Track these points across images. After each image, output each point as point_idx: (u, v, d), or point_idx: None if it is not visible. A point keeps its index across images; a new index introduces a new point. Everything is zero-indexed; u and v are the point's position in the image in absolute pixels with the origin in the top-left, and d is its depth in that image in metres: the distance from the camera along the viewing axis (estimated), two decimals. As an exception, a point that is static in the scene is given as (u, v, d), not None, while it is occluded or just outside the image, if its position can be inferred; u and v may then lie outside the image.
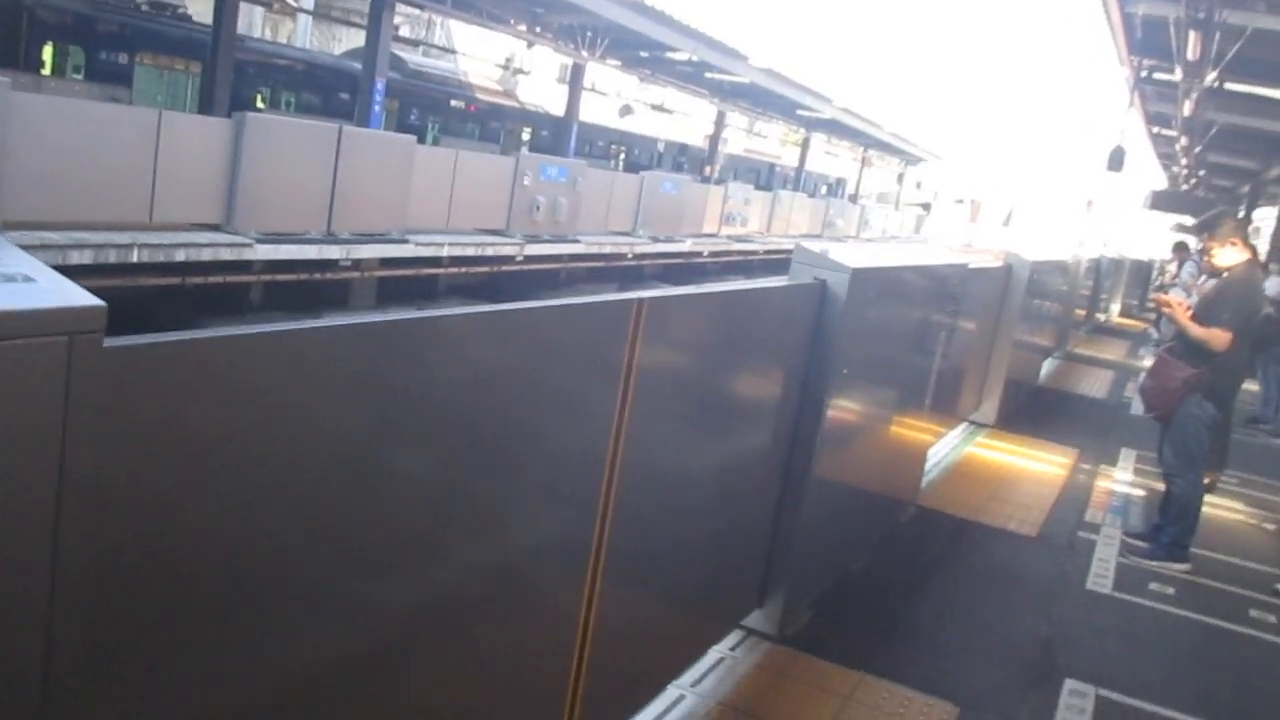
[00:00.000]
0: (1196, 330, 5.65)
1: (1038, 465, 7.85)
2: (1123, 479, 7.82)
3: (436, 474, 2.07)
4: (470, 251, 15.43)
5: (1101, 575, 5.52)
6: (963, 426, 8.54)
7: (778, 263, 26.85)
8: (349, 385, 1.72)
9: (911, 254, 5.41)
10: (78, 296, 1.18)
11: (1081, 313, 16.43)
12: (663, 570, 3.23)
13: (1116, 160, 14.13)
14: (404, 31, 31.29)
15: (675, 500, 3.20)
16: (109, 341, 1.20)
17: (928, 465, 6.93)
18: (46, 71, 15.31)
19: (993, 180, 72.70)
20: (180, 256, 10.83)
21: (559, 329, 2.38)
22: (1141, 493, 7.38)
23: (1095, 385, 12.26)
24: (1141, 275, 25.71)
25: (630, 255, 20.13)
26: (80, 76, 15.52)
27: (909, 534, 5.80)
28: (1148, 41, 12.35)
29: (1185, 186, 26.91)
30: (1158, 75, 13.62)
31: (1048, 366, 12.53)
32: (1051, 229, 77.85)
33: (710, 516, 3.51)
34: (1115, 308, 21.55)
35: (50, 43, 15.20)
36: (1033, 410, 9.87)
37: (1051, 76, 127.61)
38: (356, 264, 13.40)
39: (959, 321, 6.70)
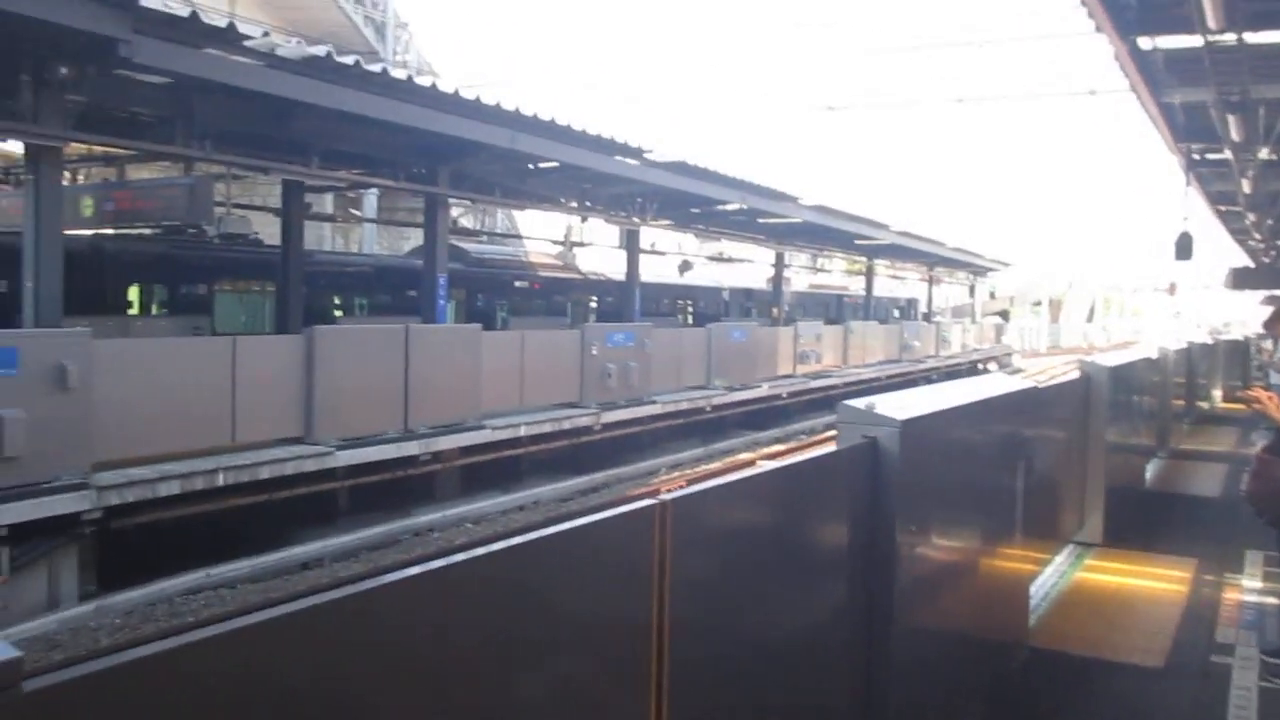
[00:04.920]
0: (1292, 425, 5.31)
1: (1156, 583, 7.34)
2: (1252, 587, 7.26)
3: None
4: (547, 428, 15.52)
5: (1243, 707, 5.03)
6: (1068, 550, 8.08)
7: (861, 393, 26.52)
8: (308, 676, 1.63)
9: (972, 389, 5.22)
10: (-12, 653, 1.13)
11: (1180, 403, 15.76)
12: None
13: (1184, 248, 13.76)
14: (466, 221, 32.65)
15: (742, 689, 3.00)
16: (29, 684, 1.13)
17: (1034, 600, 6.53)
18: (134, 311, 16.19)
19: (1070, 278, 71.84)
20: (265, 474, 11.07)
21: (578, 547, 2.29)
22: (1275, 601, 6.82)
23: (1207, 482, 11.61)
24: (1238, 355, 24.72)
25: (708, 408, 20.08)
26: (165, 311, 16.37)
27: (1022, 681, 5.40)
28: (1192, 126, 12.21)
29: (1266, 260, 26.12)
30: (1210, 156, 13.40)
31: (1153, 469, 11.94)
32: (1140, 317, 76.08)
33: (787, 706, 3.29)
34: (1217, 393, 20.65)
35: (134, 284, 16.11)
36: (1142, 520, 9.32)
37: (1115, 165, 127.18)
38: (436, 456, 13.55)
39: (1041, 443, 6.42)
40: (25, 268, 9.74)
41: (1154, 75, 10.77)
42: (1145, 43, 9.92)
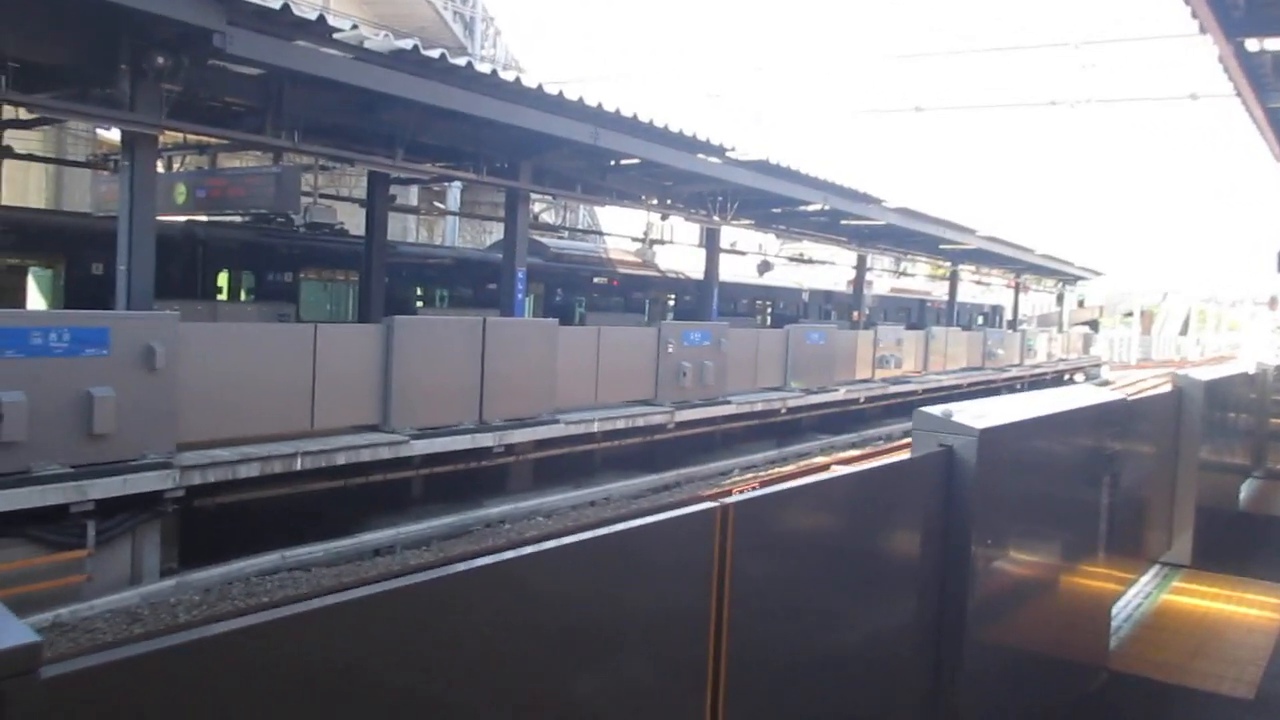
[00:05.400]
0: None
1: (1248, 609, 7.01)
2: (1352, 617, 6.89)
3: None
4: (621, 424, 15.51)
5: (1338, 744, 4.77)
6: (1154, 571, 7.77)
7: (941, 400, 26.02)
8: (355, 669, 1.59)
9: (1056, 399, 5.03)
10: (11, 635, 1.10)
11: (1278, 422, 15.11)
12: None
13: (1288, 260, 13.17)
14: (547, 216, 32.85)
15: (802, 696, 2.91)
16: (48, 671, 1.11)
17: (1116, 621, 6.28)
18: (223, 296, 16.61)
19: (1163, 288, 69.60)
20: (341, 460, 11.23)
21: (638, 547, 2.23)
22: (1377, 633, 6.46)
23: (1307, 505, 11.09)
24: (1344, 374, 23.59)
25: (783, 410, 19.88)
26: (251, 298, 16.76)
27: (1100, 706, 5.18)
28: (1302, 134, 11.66)
29: (1378, 274, 24.88)
30: (1321, 166, 12.79)
31: (1247, 489, 11.45)
32: (1237, 331, 73.34)
33: (847, 715, 3.18)
34: (1320, 412, 19.73)
35: (224, 270, 16.53)
36: (1235, 542, 8.93)
37: (1214, 173, 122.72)
38: (510, 449, 13.63)
39: (1128, 458, 6.17)
40: (119, 251, 10.03)
41: (1261, 79, 10.30)
42: (1253, 44, 9.48)
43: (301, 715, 1.48)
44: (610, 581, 2.19)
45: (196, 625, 1.30)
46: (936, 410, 3.65)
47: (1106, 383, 34.44)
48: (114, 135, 15.48)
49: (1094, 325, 53.18)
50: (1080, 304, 54.52)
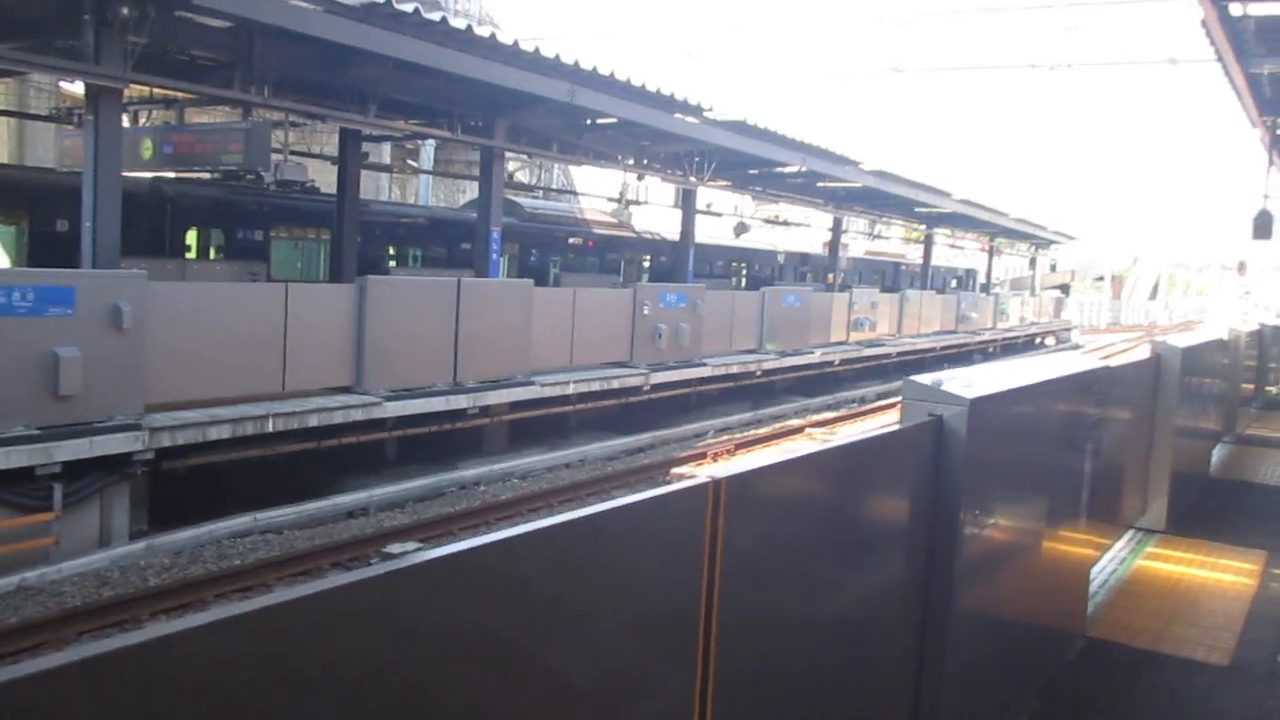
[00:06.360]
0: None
1: (1221, 575, 7.07)
2: (1323, 583, 6.97)
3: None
4: (596, 386, 15.45)
5: (1313, 710, 4.81)
6: (1129, 535, 7.82)
7: (914, 363, 26.19)
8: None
9: (1041, 367, 4.99)
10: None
11: (1249, 388, 15.27)
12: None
13: (1263, 227, 13.21)
14: (522, 176, 32.48)
15: (790, 667, 2.87)
16: None
17: (1094, 585, 6.31)
18: (191, 255, 16.29)
19: (1134, 253, 70.15)
20: (313, 421, 11.11)
21: (630, 525, 2.16)
22: (1348, 598, 6.53)
23: (1276, 470, 11.20)
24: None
25: (758, 372, 19.88)
26: (221, 256, 16.46)
27: (1079, 672, 5.20)
28: (1278, 99, 11.66)
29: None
30: (1297, 132, 12.82)
31: (1218, 454, 11.55)
32: (1205, 296, 74.11)
33: (836, 687, 3.15)
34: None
35: (192, 228, 16.21)
36: (1207, 507, 9.01)
37: (1190, 140, 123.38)
38: (484, 410, 13.53)
39: (1109, 425, 6.16)
40: (84, 208, 9.78)
41: (1243, 44, 10.26)
42: (1236, 8, 9.43)
43: (274, 715, 1.39)
44: (605, 560, 2.13)
45: (159, 618, 1.18)
46: (926, 379, 3.59)
47: (1077, 347, 34.75)
48: (78, 88, 15.06)
49: (1065, 289, 53.54)
50: (1052, 268, 54.88)
